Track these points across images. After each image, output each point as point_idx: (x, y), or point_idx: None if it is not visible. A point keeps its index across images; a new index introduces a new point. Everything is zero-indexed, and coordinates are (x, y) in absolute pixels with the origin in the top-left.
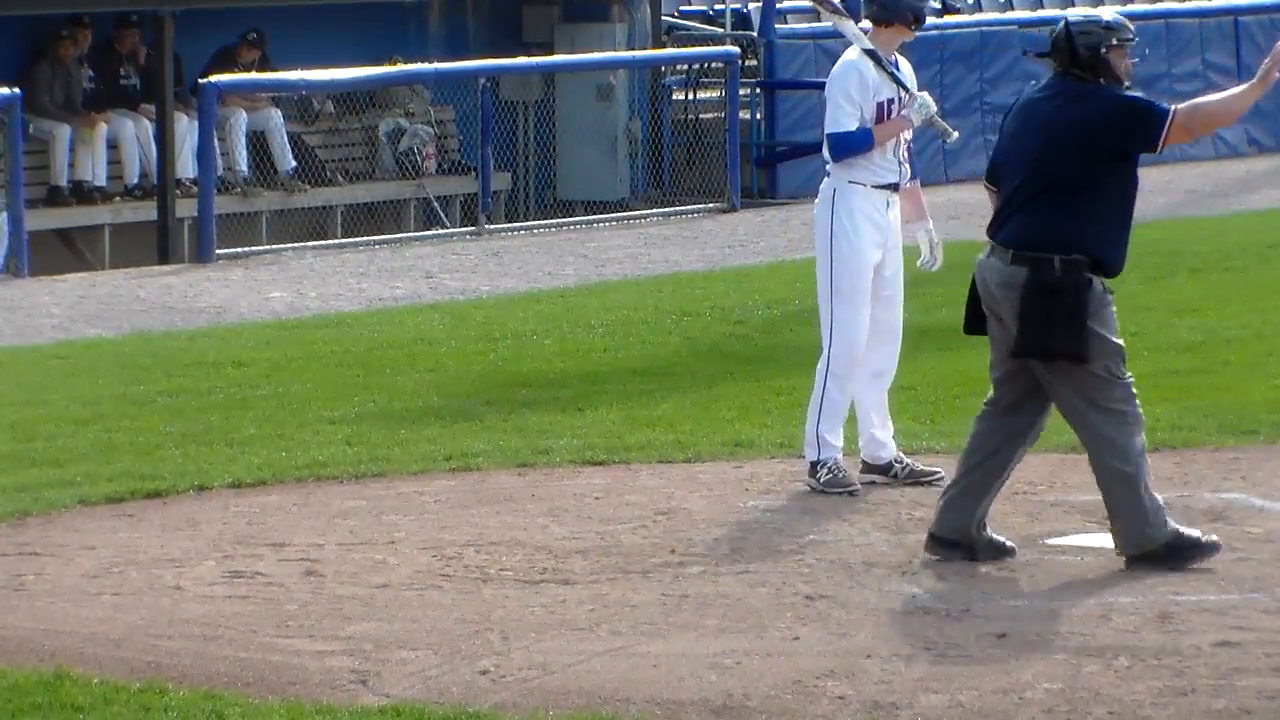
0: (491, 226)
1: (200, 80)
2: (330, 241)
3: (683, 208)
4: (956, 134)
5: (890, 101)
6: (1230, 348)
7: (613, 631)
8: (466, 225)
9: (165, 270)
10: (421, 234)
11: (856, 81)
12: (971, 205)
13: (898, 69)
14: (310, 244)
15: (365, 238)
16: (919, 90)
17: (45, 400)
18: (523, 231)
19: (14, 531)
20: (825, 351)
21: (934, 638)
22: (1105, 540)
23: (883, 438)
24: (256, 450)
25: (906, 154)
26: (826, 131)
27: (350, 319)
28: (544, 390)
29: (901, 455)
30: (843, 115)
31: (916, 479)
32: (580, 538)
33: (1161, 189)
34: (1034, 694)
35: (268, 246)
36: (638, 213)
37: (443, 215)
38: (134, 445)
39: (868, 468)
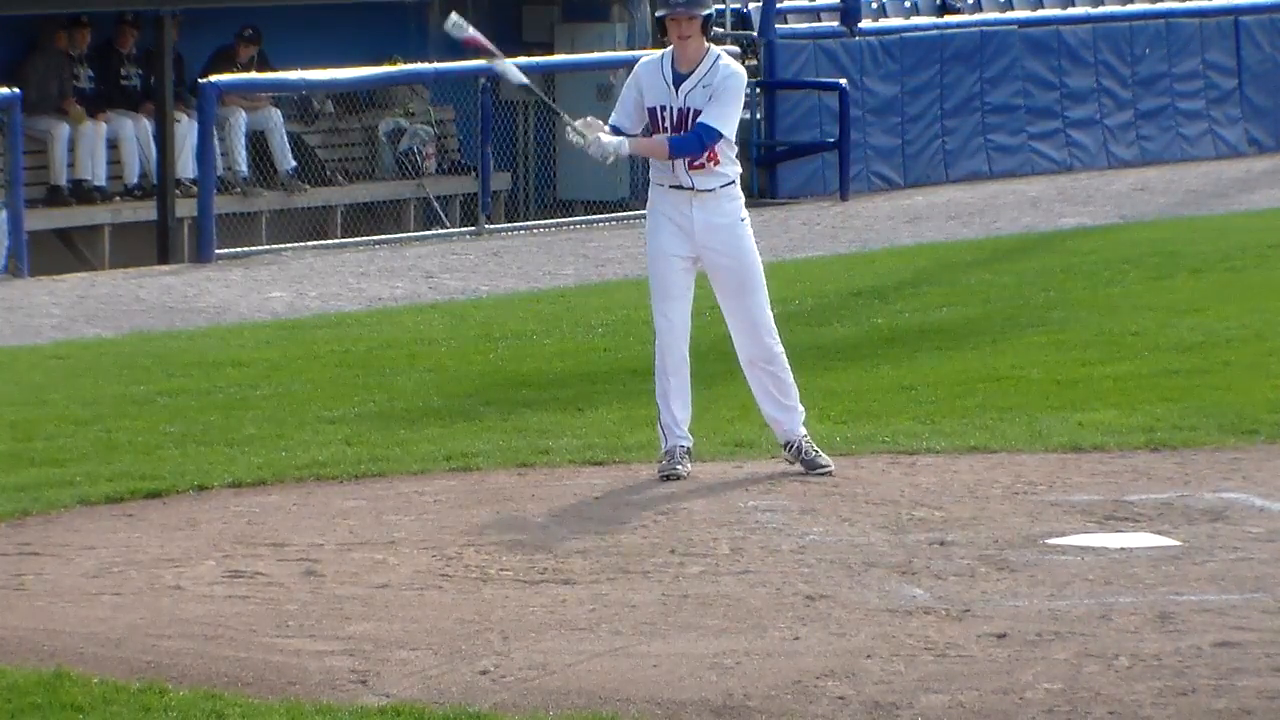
0: (491, 226)
1: (200, 80)
2: (330, 241)
3: None
4: (592, 143)
5: (661, 109)
6: (1230, 348)
7: (613, 631)
8: (466, 225)
9: (165, 270)
10: (421, 234)
11: (634, 84)
12: (972, 205)
13: (685, 77)
14: (310, 244)
15: (365, 238)
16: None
17: (45, 400)
18: (523, 231)
19: (14, 531)
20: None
21: (934, 638)
22: (1105, 540)
23: (779, 417)
24: (256, 450)
25: (689, 164)
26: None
27: (350, 319)
28: (544, 390)
29: (800, 440)
30: (617, 108)
31: (808, 467)
32: (580, 538)
33: (1161, 189)
34: (1034, 694)
35: (268, 246)
36: (638, 213)
37: (443, 215)
38: (134, 445)
39: (785, 451)
